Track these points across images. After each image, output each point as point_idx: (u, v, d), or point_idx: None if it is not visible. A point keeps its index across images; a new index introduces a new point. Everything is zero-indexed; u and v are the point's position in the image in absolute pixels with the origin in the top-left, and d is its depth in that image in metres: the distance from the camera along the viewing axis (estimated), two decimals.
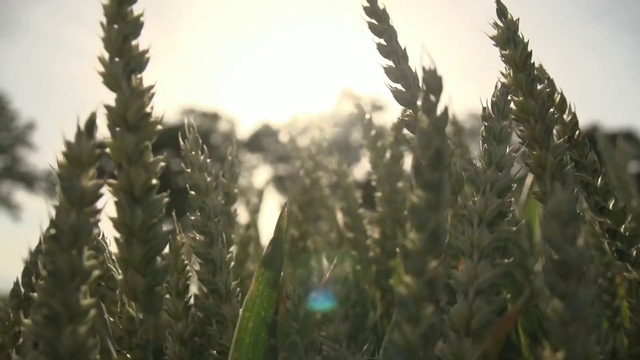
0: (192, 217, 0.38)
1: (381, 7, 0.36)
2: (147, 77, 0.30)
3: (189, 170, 0.38)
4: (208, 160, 0.39)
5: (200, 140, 0.40)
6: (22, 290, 0.40)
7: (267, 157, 15.84)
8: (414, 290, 0.21)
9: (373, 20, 0.36)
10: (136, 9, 0.29)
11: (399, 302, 0.21)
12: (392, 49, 0.35)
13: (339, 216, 0.62)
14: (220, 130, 15.64)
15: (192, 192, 0.38)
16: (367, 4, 0.36)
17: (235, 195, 0.47)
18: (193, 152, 0.39)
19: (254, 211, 0.88)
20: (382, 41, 0.36)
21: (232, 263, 0.39)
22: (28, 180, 13.47)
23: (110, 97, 0.29)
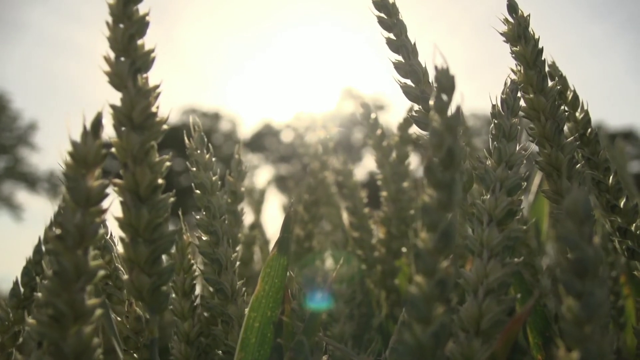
0: (197, 217, 0.38)
1: (391, 0, 0.35)
2: (150, 77, 0.29)
3: (194, 169, 0.38)
4: (213, 159, 0.39)
5: (205, 139, 0.39)
6: (22, 289, 0.40)
7: (268, 157, 15.83)
8: (425, 290, 0.21)
9: (382, 15, 0.35)
10: (141, 9, 0.29)
11: (409, 302, 0.21)
12: (401, 44, 0.35)
13: (345, 216, 0.62)
14: (221, 130, 15.64)
15: (198, 191, 0.38)
16: None
17: (242, 194, 0.47)
18: (198, 151, 0.39)
19: (257, 211, 0.88)
20: (392, 36, 0.35)
21: (238, 263, 0.39)
22: (30, 181, 13.47)
23: (113, 97, 0.29)
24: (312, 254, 0.62)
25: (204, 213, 0.38)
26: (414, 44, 0.35)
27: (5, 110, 13.47)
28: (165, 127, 0.29)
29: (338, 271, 0.36)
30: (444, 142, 0.22)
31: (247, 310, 0.36)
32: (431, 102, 0.23)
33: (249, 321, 0.34)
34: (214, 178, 0.39)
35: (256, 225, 0.65)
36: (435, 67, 0.23)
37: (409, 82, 0.35)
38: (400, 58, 0.36)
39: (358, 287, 0.56)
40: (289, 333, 0.35)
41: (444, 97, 0.23)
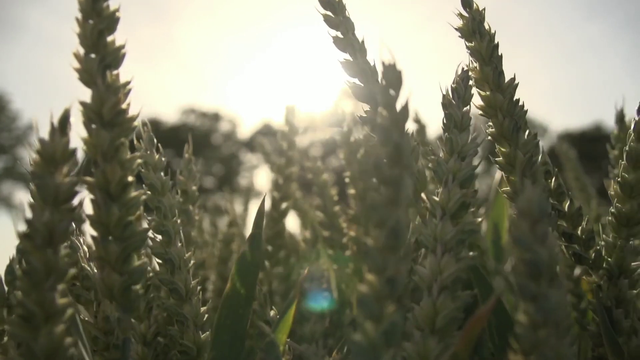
0: (149, 218, 0.38)
1: None
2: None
3: (143, 170, 0.38)
4: (163, 159, 0.39)
5: (155, 140, 0.39)
6: (6, 288, 0.39)
7: (267, 157, 15.81)
8: (375, 289, 0.21)
9: (329, 12, 0.34)
10: (114, 4, 0.29)
11: (359, 301, 0.21)
12: (348, 42, 0.34)
13: (316, 214, 0.62)
14: (221, 131, 15.66)
15: (148, 192, 0.38)
16: None
17: (194, 194, 0.46)
18: (147, 152, 0.38)
19: (244, 208, 0.88)
20: (339, 34, 0.34)
21: (192, 262, 0.38)
22: (29, 181, 13.46)
23: None
24: (284, 252, 0.62)
25: (155, 213, 0.38)
26: (362, 42, 0.34)
27: (5, 110, 13.48)
28: (135, 124, 0.29)
29: (310, 269, 0.35)
30: (391, 138, 0.21)
31: (203, 309, 0.36)
32: (378, 98, 0.22)
33: (221, 319, 0.33)
34: (164, 178, 0.38)
35: (234, 223, 0.64)
36: (382, 63, 0.23)
37: (357, 81, 0.34)
38: (348, 56, 0.34)
39: (328, 285, 0.56)
40: (255, 333, 0.35)
41: (392, 92, 0.22)
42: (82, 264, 0.37)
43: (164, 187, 0.37)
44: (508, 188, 0.35)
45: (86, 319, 0.36)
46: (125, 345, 0.30)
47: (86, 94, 0.28)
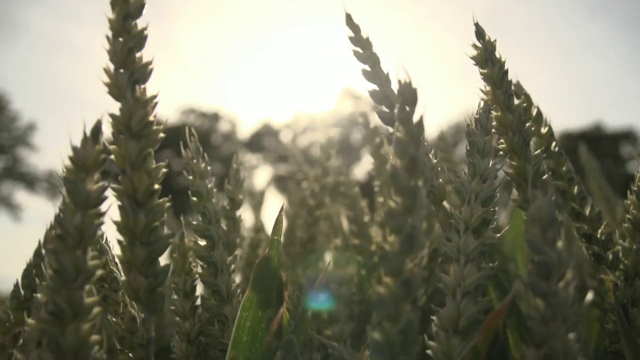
0: (194, 222, 0.39)
1: (365, 36, 0.37)
2: (149, 78, 0.31)
3: (190, 177, 0.40)
4: (209, 168, 0.41)
5: (201, 149, 0.41)
6: (22, 291, 0.40)
7: (267, 157, 15.81)
8: (392, 290, 0.23)
9: (358, 49, 0.37)
10: (141, 23, 0.30)
11: (378, 302, 0.23)
12: (375, 74, 0.37)
13: (345, 223, 0.64)
14: (220, 131, 15.62)
15: (194, 198, 0.40)
16: (352, 34, 0.37)
17: (240, 201, 0.48)
18: (194, 160, 0.40)
19: (257, 213, 0.90)
20: (367, 67, 0.37)
21: (233, 265, 0.40)
22: (29, 181, 13.48)
23: (110, 100, 0.30)
24: (315, 255, 0.64)
25: (200, 219, 0.39)
26: (387, 73, 0.37)
27: (4, 110, 13.47)
28: (162, 135, 0.30)
29: (334, 272, 0.37)
30: (406, 151, 0.23)
31: (239, 309, 0.38)
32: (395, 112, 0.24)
33: (241, 320, 0.35)
34: (209, 185, 0.40)
35: (260, 229, 0.66)
36: (399, 81, 0.25)
37: (383, 107, 0.37)
38: (375, 87, 0.37)
39: (357, 288, 0.58)
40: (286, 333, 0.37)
41: (407, 108, 0.24)
42: (110, 267, 0.38)
43: (209, 194, 0.39)
44: (518, 197, 0.38)
45: (113, 319, 0.37)
46: (149, 345, 0.32)
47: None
